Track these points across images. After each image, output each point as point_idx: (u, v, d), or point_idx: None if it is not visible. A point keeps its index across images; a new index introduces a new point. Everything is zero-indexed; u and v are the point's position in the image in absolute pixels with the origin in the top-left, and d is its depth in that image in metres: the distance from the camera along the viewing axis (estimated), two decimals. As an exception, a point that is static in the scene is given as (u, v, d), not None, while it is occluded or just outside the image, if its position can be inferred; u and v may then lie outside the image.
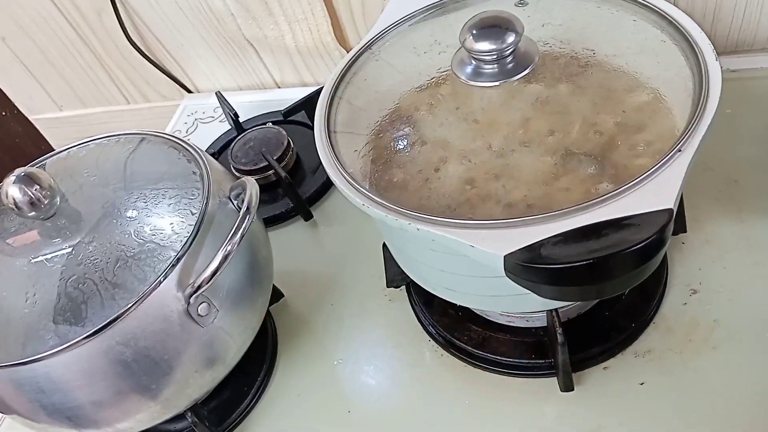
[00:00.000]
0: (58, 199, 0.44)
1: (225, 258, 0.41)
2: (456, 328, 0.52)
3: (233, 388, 0.52)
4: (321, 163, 0.69)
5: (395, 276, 0.55)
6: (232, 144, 0.71)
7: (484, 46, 0.41)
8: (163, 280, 0.40)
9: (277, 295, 0.58)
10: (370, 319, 0.56)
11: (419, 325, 0.54)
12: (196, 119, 0.83)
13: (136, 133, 0.52)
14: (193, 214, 0.44)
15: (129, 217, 0.44)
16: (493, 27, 0.41)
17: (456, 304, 0.52)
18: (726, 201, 0.54)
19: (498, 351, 0.50)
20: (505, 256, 0.34)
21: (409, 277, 0.52)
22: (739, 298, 0.48)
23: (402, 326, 0.55)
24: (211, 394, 0.48)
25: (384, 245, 0.55)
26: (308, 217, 0.66)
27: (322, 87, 0.71)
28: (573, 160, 0.42)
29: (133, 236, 0.43)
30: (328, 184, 0.69)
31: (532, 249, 0.34)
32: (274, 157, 0.68)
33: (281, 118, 0.74)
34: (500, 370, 0.49)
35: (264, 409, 0.52)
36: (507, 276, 0.35)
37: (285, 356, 0.56)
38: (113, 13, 0.77)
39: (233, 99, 0.78)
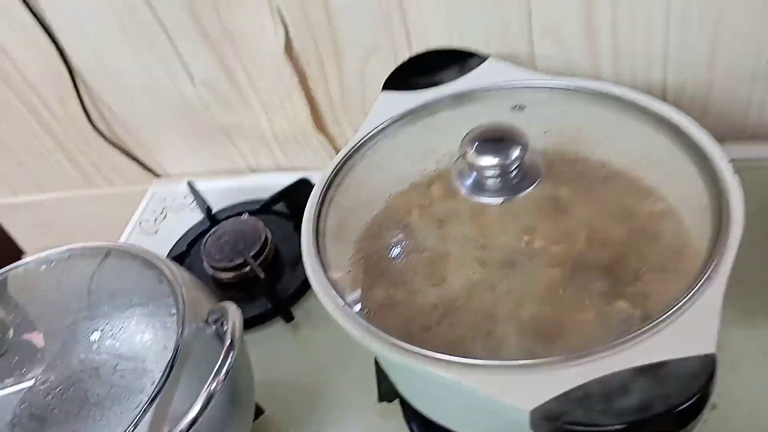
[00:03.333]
0: (11, 332, 0.39)
1: (206, 405, 0.36)
2: (460, 452, 0.47)
3: None
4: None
5: (389, 390, 0.50)
6: (205, 238, 0.67)
7: (488, 160, 0.38)
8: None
9: (257, 411, 0.53)
10: (361, 439, 0.51)
11: (416, 446, 0.49)
12: (165, 207, 0.79)
13: (102, 245, 0.47)
14: (166, 348, 0.39)
15: (93, 353, 0.39)
16: (497, 140, 0.38)
17: (458, 424, 0.48)
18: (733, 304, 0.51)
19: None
20: (531, 411, 0.30)
21: (403, 392, 0.47)
22: (760, 412, 0.45)
23: (397, 447, 0.50)
24: None
25: (376, 359, 0.51)
26: (289, 318, 0.61)
27: (303, 178, 0.68)
28: (582, 275, 0.39)
29: (98, 377, 0.38)
30: (309, 282, 0.64)
31: (561, 400, 0.30)
32: (251, 253, 0.63)
33: (257, 207, 0.70)
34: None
35: None
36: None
37: (267, 485, 0.50)
38: (77, 99, 0.73)
39: (205, 185, 0.74)
